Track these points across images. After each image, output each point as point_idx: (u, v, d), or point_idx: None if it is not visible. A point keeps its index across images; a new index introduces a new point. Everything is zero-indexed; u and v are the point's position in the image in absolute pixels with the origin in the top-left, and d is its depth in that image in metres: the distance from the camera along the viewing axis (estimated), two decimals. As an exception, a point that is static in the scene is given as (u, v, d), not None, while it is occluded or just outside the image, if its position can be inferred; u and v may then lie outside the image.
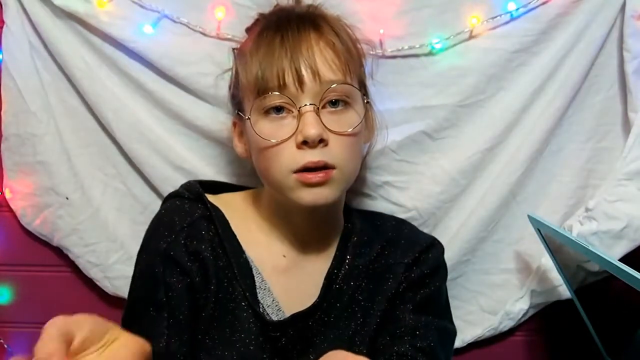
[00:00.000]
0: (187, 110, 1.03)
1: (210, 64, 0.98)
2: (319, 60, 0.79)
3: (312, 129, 0.77)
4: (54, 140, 1.06)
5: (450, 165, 1.03)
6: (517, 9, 0.98)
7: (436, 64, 1.00)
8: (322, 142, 0.79)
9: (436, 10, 0.99)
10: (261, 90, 0.80)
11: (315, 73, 0.79)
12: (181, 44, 1.01)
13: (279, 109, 0.80)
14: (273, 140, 0.80)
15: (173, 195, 0.89)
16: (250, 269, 0.86)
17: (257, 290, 0.85)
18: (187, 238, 0.84)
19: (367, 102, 0.85)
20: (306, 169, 0.79)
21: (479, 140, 1.02)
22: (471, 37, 0.99)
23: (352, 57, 0.83)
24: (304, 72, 0.79)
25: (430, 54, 1.00)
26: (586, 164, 1.04)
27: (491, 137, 1.02)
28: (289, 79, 0.79)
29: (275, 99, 0.80)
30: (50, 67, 1.05)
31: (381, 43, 0.99)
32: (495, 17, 0.98)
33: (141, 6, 1.00)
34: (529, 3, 0.97)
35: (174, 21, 1.01)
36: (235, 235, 0.87)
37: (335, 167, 0.80)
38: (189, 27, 1.01)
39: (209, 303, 0.83)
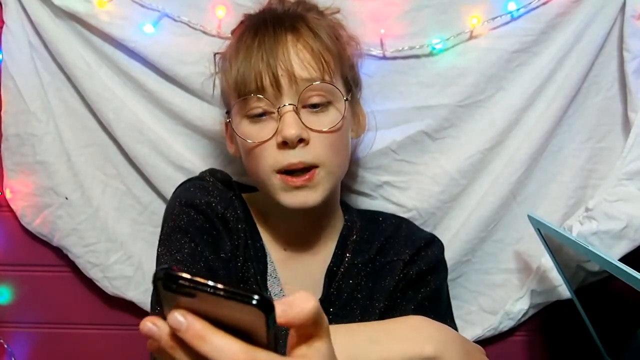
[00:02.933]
0: (187, 110, 1.03)
1: (210, 63, 0.98)
2: (295, 63, 0.80)
3: (290, 129, 0.79)
4: (53, 140, 1.05)
5: (450, 165, 1.03)
6: (518, 9, 0.98)
7: (436, 64, 1.00)
8: (302, 141, 0.80)
9: (436, 11, 0.99)
10: (241, 94, 0.82)
11: (292, 75, 0.80)
12: (181, 43, 1.01)
13: (260, 113, 0.82)
14: (255, 141, 0.82)
15: (198, 178, 0.91)
16: (265, 256, 0.88)
17: (268, 278, 0.87)
18: (227, 207, 0.86)
19: (347, 100, 0.84)
20: (288, 171, 0.81)
21: (479, 140, 1.02)
22: (471, 37, 0.99)
23: (334, 56, 0.84)
24: (280, 75, 0.80)
25: (430, 54, 1.00)
26: (586, 164, 1.04)
27: (491, 137, 1.02)
28: (267, 82, 0.80)
29: (254, 102, 0.81)
30: (50, 67, 1.05)
31: (382, 43, 0.99)
32: (496, 17, 0.98)
33: (141, 5, 1.00)
34: (530, 3, 0.97)
35: (175, 20, 1.01)
36: (254, 221, 0.89)
37: (318, 165, 0.81)
38: (189, 26, 1.01)
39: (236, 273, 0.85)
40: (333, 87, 0.82)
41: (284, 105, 0.80)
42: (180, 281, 0.42)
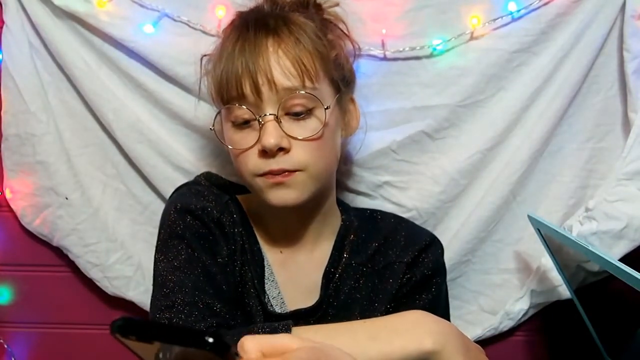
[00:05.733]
0: (187, 110, 1.03)
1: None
2: (276, 70, 0.80)
3: (270, 139, 0.79)
4: (53, 140, 1.05)
5: (450, 165, 1.03)
6: (518, 10, 0.98)
7: (436, 64, 1.00)
8: (282, 150, 0.80)
9: (436, 10, 0.99)
10: (223, 100, 0.82)
11: (272, 82, 0.79)
12: (181, 43, 1.01)
13: (243, 122, 0.82)
14: (239, 148, 0.82)
15: (193, 183, 0.91)
16: (262, 259, 0.88)
17: (265, 281, 0.87)
18: (223, 212, 0.86)
19: (327, 108, 0.82)
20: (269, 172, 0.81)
21: (479, 140, 1.02)
22: (472, 38, 0.99)
23: (317, 59, 0.82)
24: (260, 83, 0.79)
25: (431, 55, 1.00)
26: (586, 164, 1.04)
27: (491, 137, 1.02)
28: (247, 90, 0.80)
29: (236, 111, 0.81)
30: (50, 67, 1.05)
31: (383, 44, 0.99)
32: (497, 18, 0.98)
33: (141, 5, 1.01)
34: (531, 4, 0.97)
35: (175, 20, 1.01)
36: (251, 224, 0.89)
37: (300, 170, 0.81)
38: (189, 26, 1.01)
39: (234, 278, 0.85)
40: (314, 97, 0.81)
41: (265, 114, 0.80)
42: (129, 338, 0.43)
